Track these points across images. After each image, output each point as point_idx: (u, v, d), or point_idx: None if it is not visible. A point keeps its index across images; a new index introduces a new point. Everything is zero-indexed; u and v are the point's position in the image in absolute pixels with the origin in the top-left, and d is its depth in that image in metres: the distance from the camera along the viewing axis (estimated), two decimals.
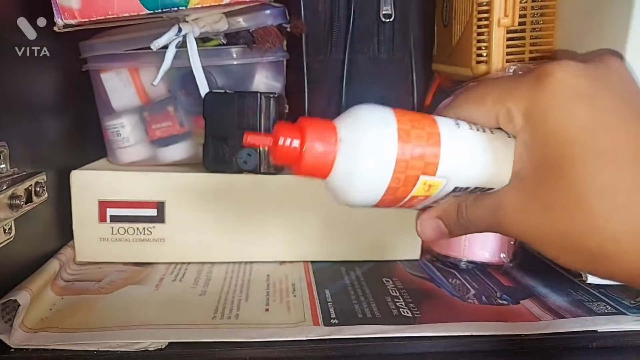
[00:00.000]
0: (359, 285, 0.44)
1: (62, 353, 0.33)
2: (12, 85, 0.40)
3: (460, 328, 0.37)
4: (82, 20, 0.40)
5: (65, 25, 0.40)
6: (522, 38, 0.45)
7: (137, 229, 0.47)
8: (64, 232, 0.46)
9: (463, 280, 0.46)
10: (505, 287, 0.45)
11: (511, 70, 0.44)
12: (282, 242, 0.49)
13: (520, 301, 0.42)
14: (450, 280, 0.46)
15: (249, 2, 0.44)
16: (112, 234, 0.46)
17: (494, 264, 0.48)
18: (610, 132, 0.22)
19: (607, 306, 0.41)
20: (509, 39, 0.45)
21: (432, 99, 0.57)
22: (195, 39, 0.45)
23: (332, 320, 0.38)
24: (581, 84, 0.23)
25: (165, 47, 0.45)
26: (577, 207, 0.22)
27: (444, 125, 0.25)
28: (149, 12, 0.40)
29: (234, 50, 0.47)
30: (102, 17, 0.40)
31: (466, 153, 0.25)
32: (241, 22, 0.46)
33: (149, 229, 0.47)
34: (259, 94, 0.45)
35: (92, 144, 0.52)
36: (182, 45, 0.45)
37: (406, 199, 0.25)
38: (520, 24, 0.45)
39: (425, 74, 0.57)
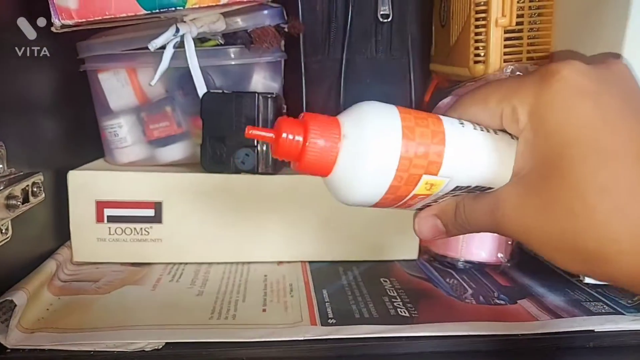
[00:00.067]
0: (356, 285, 0.44)
1: (58, 353, 0.33)
2: (11, 85, 0.40)
3: (458, 328, 0.37)
4: (80, 20, 0.40)
5: (63, 26, 0.40)
6: (520, 38, 0.45)
7: (135, 229, 0.46)
8: (61, 233, 0.46)
9: (460, 280, 0.46)
10: (502, 287, 0.45)
11: (508, 71, 0.44)
12: (280, 242, 0.49)
13: (518, 301, 0.42)
14: (447, 280, 0.46)
15: (246, 2, 0.44)
16: (110, 234, 0.46)
17: (491, 264, 0.48)
18: (614, 131, 0.22)
19: (605, 306, 0.41)
20: (506, 39, 0.45)
21: (430, 99, 0.57)
22: (193, 39, 0.45)
23: (329, 320, 0.38)
24: (586, 83, 0.23)
25: (163, 47, 0.45)
26: (576, 206, 0.22)
27: (449, 123, 0.25)
28: (146, 12, 0.40)
29: (232, 51, 0.47)
30: (100, 18, 0.40)
31: (470, 153, 0.25)
32: (239, 22, 0.46)
33: (147, 229, 0.47)
34: (256, 94, 0.45)
35: (89, 145, 0.52)
36: (180, 45, 0.45)
37: (407, 198, 0.25)
38: (517, 24, 0.45)
39: (423, 74, 0.57)
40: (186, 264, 0.48)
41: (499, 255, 0.48)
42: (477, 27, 0.46)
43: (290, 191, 0.48)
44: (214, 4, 0.41)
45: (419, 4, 0.55)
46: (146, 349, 0.34)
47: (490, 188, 0.26)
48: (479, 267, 0.49)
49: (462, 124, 0.25)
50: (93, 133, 0.51)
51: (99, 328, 0.36)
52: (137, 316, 0.38)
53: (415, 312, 0.39)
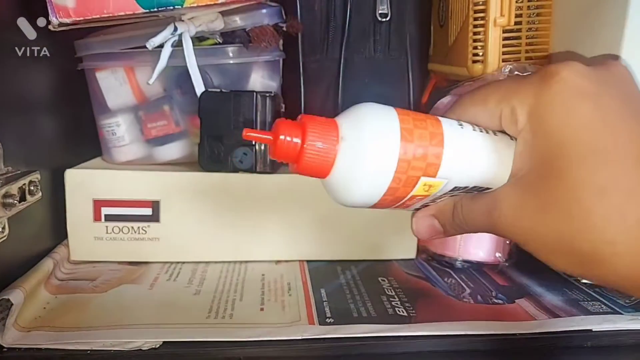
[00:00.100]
0: (354, 285, 0.44)
1: (55, 352, 0.33)
2: (10, 85, 0.40)
3: (456, 327, 0.37)
4: (77, 19, 0.40)
5: (60, 24, 0.40)
6: (518, 38, 0.45)
7: (132, 228, 0.46)
8: (58, 231, 0.46)
9: (458, 280, 0.46)
10: (500, 286, 0.45)
11: (507, 70, 0.44)
12: (278, 241, 0.49)
13: (516, 300, 0.42)
14: (445, 279, 0.46)
15: (245, 1, 0.44)
16: (107, 233, 0.46)
17: (489, 263, 0.48)
18: (612, 132, 0.22)
19: (602, 305, 0.41)
20: (505, 39, 0.45)
21: (428, 99, 0.57)
22: (191, 38, 0.45)
23: (327, 320, 0.38)
24: (586, 84, 0.23)
25: (161, 46, 0.45)
26: (573, 206, 0.22)
27: (448, 125, 0.25)
28: (144, 11, 0.40)
29: (230, 50, 0.47)
30: (98, 16, 0.40)
31: (469, 154, 0.25)
32: (237, 21, 0.46)
33: (144, 228, 0.46)
34: (255, 94, 0.45)
35: (87, 143, 0.51)
36: (178, 44, 0.45)
37: (405, 199, 0.25)
38: (516, 23, 0.45)
39: (422, 74, 0.57)
40: (183, 263, 0.48)
41: (497, 254, 0.48)
42: (475, 26, 0.46)
43: (288, 190, 0.48)
44: (212, 3, 0.41)
45: (418, 4, 0.55)
46: (143, 348, 0.34)
47: (488, 188, 0.26)
48: (477, 267, 0.49)
49: (461, 125, 0.25)
50: (91, 132, 0.51)
51: (96, 327, 0.36)
52: (134, 315, 0.38)
53: (413, 311, 0.39)
